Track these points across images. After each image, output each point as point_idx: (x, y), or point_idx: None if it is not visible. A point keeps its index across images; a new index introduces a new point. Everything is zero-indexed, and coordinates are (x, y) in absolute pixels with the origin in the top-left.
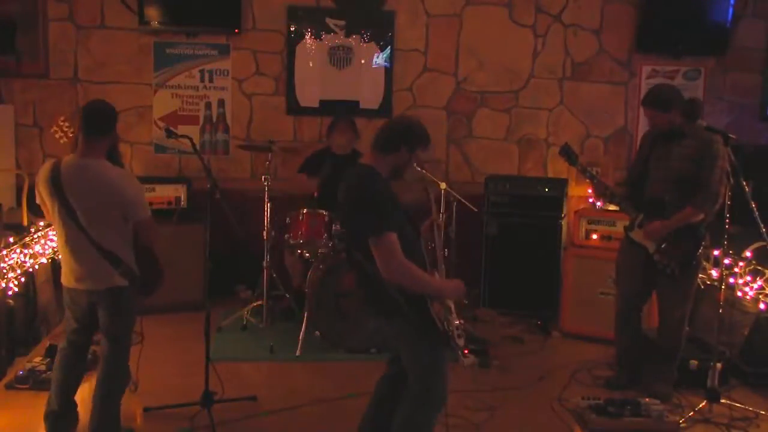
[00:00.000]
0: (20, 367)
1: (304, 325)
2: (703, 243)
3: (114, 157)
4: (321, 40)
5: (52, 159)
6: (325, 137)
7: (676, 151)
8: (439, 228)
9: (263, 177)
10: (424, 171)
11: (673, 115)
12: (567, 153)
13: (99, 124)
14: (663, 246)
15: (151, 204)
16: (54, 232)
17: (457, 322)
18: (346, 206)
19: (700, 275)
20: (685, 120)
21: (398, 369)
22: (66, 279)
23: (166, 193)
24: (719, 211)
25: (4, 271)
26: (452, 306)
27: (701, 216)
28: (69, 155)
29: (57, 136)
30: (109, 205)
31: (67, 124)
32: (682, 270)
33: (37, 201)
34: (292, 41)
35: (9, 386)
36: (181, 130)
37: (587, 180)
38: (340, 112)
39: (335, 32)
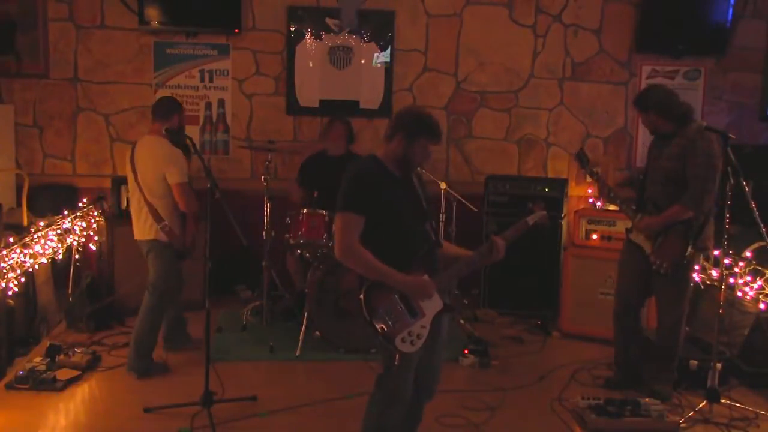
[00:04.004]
0: (20, 367)
1: (304, 325)
2: (692, 242)
3: (177, 138)
4: (321, 40)
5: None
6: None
7: (665, 151)
8: (489, 251)
9: (263, 177)
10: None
11: (650, 115)
12: (581, 158)
13: (157, 111)
14: (656, 246)
15: None
16: (53, 233)
17: (421, 328)
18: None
19: (701, 275)
20: (678, 123)
21: None
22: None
23: None
24: (714, 209)
25: (4, 271)
26: (425, 310)
27: (689, 214)
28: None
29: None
30: (154, 167)
31: None
32: (674, 269)
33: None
34: (292, 41)
35: (9, 386)
36: None
37: (593, 181)
38: (338, 113)
39: (335, 32)
